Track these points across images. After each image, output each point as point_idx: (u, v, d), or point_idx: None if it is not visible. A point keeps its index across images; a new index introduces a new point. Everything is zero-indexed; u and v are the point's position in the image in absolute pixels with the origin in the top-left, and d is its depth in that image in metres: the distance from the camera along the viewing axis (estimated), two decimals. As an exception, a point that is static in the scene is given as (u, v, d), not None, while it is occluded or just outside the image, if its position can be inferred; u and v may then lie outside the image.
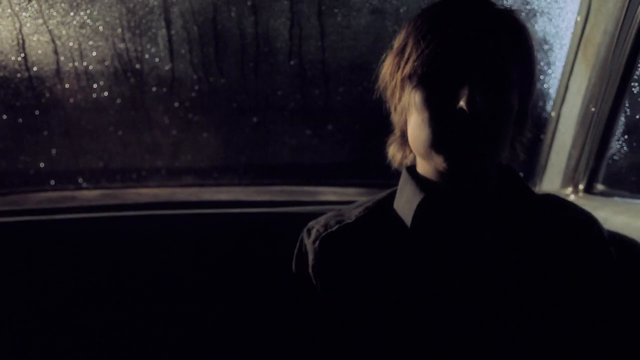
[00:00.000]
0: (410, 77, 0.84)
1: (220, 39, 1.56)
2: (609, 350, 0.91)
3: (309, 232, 0.94)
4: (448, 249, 0.88)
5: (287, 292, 0.99)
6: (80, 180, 1.62)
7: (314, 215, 0.98)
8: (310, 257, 0.92)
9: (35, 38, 1.46)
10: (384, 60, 0.91)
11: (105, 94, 1.56)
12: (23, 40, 1.46)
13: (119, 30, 1.50)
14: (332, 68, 1.61)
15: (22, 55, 1.47)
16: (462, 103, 0.78)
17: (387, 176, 1.01)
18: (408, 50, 0.84)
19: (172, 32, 1.53)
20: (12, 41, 1.45)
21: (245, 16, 1.54)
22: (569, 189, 1.50)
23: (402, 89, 0.87)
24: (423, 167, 0.91)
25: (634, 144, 1.45)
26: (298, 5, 1.52)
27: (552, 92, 1.54)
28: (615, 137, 1.44)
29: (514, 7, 0.88)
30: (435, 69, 0.81)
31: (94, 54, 1.51)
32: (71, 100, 1.56)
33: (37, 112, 1.56)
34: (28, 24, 1.44)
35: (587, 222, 0.95)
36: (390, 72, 0.89)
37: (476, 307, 0.85)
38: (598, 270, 0.91)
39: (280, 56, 1.58)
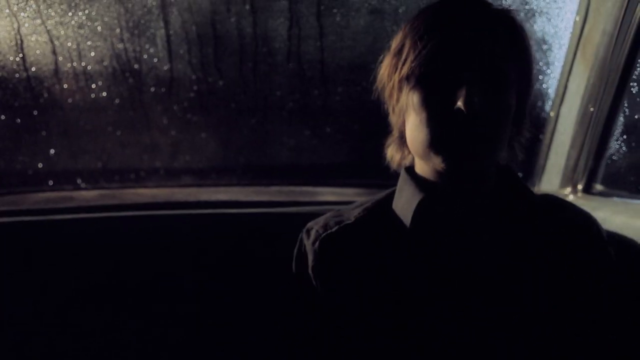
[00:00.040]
0: (407, 78, 0.84)
1: (219, 39, 1.56)
2: (609, 350, 0.91)
3: (308, 232, 0.94)
4: (447, 249, 0.88)
5: (286, 292, 0.98)
6: (78, 180, 1.62)
7: (313, 216, 0.98)
8: (310, 258, 0.92)
9: (33, 38, 1.46)
10: (381, 62, 0.91)
11: (104, 94, 1.56)
12: (21, 41, 1.45)
13: (118, 30, 1.50)
14: (331, 68, 1.61)
15: (21, 55, 1.47)
16: (459, 103, 0.78)
17: (385, 176, 1.01)
18: (405, 51, 0.84)
19: (171, 32, 1.53)
20: (11, 41, 1.45)
21: (244, 16, 1.53)
22: (568, 189, 1.51)
23: (400, 90, 0.87)
24: (422, 168, 0.91)
25: (633, 144, 1.45)
26: (297, 6, 1.52)
27: (551, 92, 1.54)
28: (614, 137, 1.44)
29: (512, 7, 0.88)
30: (432, 69, 0.81)
31: (93, 54, 1.51)
32: (69, 100, 1.55)
33: (35, 113, 1.55)
34: (26, 24, 1.44)
35: (586, 223, 0.95)
36: (388, 73, 0.89)
37: (475, 307, 0.85)
38: (597, 271, 0.91)
39: (279, 56, 1.58)
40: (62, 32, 1.47)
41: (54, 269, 1.26)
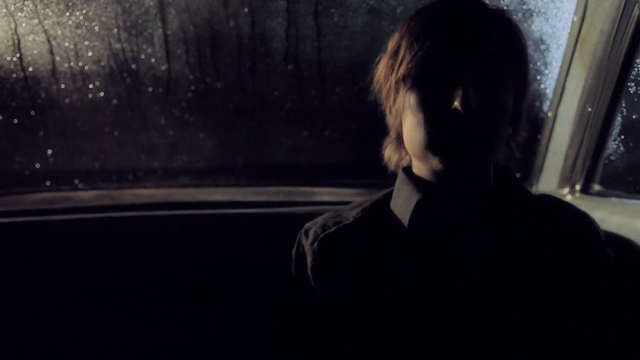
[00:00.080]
0: (404, 79, 0.84)
1: (216, 39, 1.55)
2: (608, 351, 0.91)
3: (306, 233, 0.94)
4: (445, 249, 0.88)
5: (285, 293, 0.98)
6: (76, 181, 1.61)
7: (311, 216, 0.98)
8: (309, 258, 0.92)
9: (30, 38, 1.46)
10: (378, 63, 0.91)
11: (101, 94, 1.56)
12: (18, 41, 1.45)
13: (115, 30, 1.49)
14: (328, 68, 1.61)
15: (18, 55, 1.47)
16: (456, 104, 0.79)
17: (383, 177, 1.01)
18: (402, 52, 0.84)
19: (169, 32, 1.53)
20: (8, 41, 1.45)
21: (241, 16, 1.53)
22: (566, 190, 1.51)
23: (397, 91, 0.87)
24: (419, 168, 0.91)
25: (631, 144, 1.45)
26: (294, 6, 1.52)
27: (549, 92, 1.54)
28: (612, 138, 1.44)
29: (510, 8, 0.88)
30: (428, 70, 0.81)
31: (90, 54, 1.51)
32: (67, 100, 1.55)
33: (32, 113, 1.55)
34: (23, 24, 1.44)
35: (583, 223, 0.95)
36: (385, 74, 0.89)
37: (474, 307, 0.85)
38: (595, 271, 0.92)
39: (276, 56, 1.58)
40: (60, 32, 1.47)
41: (52, 269, 1.26)
